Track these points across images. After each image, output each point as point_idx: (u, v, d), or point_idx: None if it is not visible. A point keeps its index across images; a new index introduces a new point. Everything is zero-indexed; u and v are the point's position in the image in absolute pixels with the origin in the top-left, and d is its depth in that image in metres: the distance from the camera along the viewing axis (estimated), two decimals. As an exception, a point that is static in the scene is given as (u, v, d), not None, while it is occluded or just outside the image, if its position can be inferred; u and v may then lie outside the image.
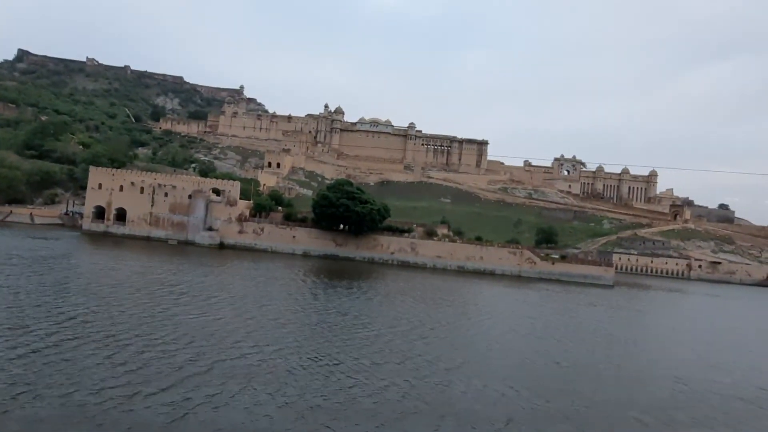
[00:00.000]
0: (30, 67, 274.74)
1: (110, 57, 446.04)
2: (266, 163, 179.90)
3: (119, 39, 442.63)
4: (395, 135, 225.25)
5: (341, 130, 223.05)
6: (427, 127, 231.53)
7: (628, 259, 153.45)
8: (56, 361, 23.97)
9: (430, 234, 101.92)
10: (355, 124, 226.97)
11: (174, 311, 36.95)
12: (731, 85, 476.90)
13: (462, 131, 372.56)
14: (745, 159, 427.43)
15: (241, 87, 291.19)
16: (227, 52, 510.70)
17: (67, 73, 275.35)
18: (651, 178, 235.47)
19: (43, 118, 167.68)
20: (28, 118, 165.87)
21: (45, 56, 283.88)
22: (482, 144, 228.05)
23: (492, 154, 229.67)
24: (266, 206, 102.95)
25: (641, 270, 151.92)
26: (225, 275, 60.69)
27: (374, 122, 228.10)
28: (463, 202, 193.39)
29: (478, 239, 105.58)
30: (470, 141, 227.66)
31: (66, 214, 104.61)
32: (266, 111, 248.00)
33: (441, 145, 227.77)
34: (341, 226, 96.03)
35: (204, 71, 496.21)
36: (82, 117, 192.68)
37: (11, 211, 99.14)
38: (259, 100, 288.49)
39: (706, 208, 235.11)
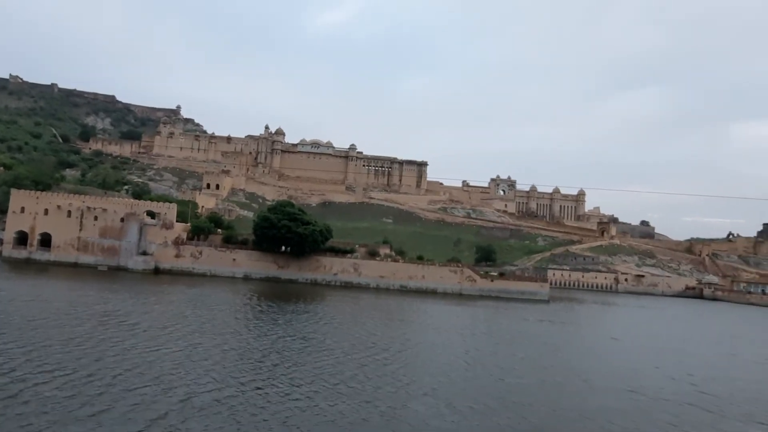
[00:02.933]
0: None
1: (36, 74, 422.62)
2: (205, 185, 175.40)
3: (45, 56, 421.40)
4: (336, 156, 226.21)
5: (282, 151, 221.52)
6: (368, 149, 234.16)
7: (562, 275, 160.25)
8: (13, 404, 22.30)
9: (373, 254, 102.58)
10: (296, 145, 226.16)
11: (118, 346, 34.54)
12: (650, 110, 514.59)
13: (402, 152, 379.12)
14: (664, 179, 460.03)
15: (178, 107, 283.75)
16: (163, 71, 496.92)
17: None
18: (580, 197, 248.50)
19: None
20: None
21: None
22: (422, 165, 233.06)
23: (431, 175, 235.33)
24: (205, 229, 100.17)
25: (574, 284, 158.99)
26: (161, 303, 58.22)
27: (315, 143, 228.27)
28: (405, 222, 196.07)
29: (420, 258, 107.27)
30: (410, 162, 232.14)
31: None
32: (204, 132, 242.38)
33: (382, 166, 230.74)
34: (283, 247, 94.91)
35: (138, 90, 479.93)
36: (4, 137, 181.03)
37: None
38: (197, 121, 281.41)
39: (630, 224, 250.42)
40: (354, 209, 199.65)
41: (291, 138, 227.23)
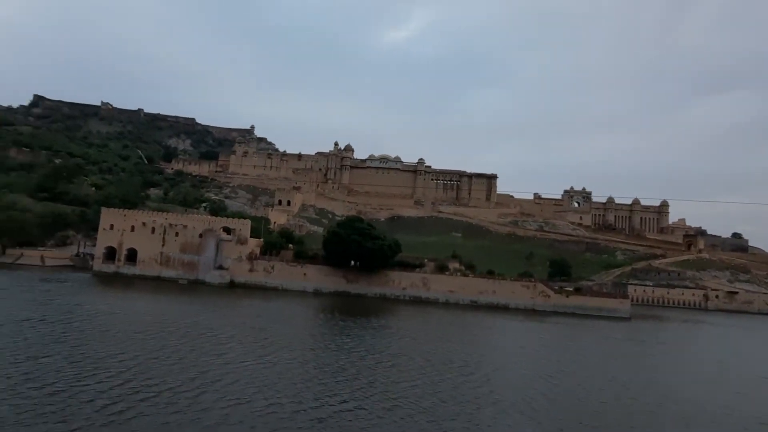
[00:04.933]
0: (45, 112, 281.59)
1: (124, 101, 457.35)
2: (276, 201, 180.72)
3: (133, 83, 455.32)
4: (405, 171, 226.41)
5: (351, 167, 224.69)
6: (436, 163, 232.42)
7: (644, 291, 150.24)
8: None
9: (442, 269, 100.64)
10: (364, 161, 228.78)
11: (213, 360, 35.58)
12: (737, 115, 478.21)
13: (471, 166, 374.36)
14: (757, 188, 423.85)
15: (252, 127, 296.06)
16: (238, 93, 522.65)
17: (82, 117, 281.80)
18: (662, 209, 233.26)
19: (57, 161, 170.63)
20: (42, 161, 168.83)
21: (60, 101, 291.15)
22: (491, 178, 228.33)
23: (501, 187, 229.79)
24: (277, 244, 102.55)
25: (657, 301, 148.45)
26: (241, 317, 59.64)
27: (384, 159, 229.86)
28: (474, 236, 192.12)
29: (491, 273, 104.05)
30: (479, 175, 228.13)
31: (77, 255, 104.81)
32: (276, 150, 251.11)
33: (450, 180, 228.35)
34: (352, 262, 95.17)
35: (215, 112, 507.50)
36: (96, 159, 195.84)
37: (22, 254, 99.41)
38: (269, 139, 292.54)
39: (720, 237, 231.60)
40: (422, 224, 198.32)
41: (359, 154, 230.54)
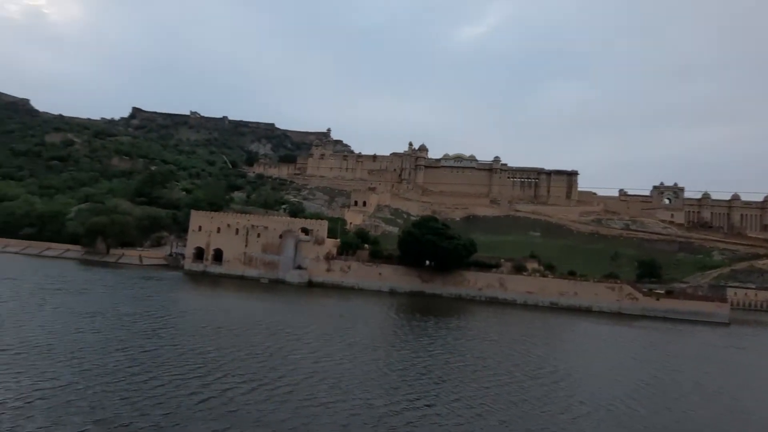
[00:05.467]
0: (142, 122, 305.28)
1: (210, 110, 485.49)
2: (352, 202, 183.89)
3: (218, 93, 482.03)
4: (480, 169, 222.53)
5: (425, 167, 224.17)
6: (512, 161, 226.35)
7: (746, 294, 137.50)
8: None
9: (519, 269, 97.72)
10: (439, 160, 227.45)
11: (296, 355, 36.77)
12: None
13: (549, 163, 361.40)
14: None
15: (328, 130, 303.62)
16: (315, 97, 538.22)
17: (174, 126, 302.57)
18: (766, 204, 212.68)
19: (153, 168, 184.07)
20: (140, 168, 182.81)
21: (154, 112, 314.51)
22: (572, 175, 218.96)
23: (583, 184, 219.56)
24: (353, 244, 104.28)
25: (761, 306, 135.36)
26: (321, 315, 61.30)
27: (458, 158, 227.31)
28: (554, 235, 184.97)
29: (572, 274, 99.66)
30: (559, 172, 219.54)
31: (170, 255, 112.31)
32: (352, 151, 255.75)
33: (528, 178, 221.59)
34: (427, 262, 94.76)
35: (294, 117, 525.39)
36: (186, 165, 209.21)
37: (123, 254, 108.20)
38: (345, 142, 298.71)
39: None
40: (499, 223, 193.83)
41: (434, 153, 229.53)
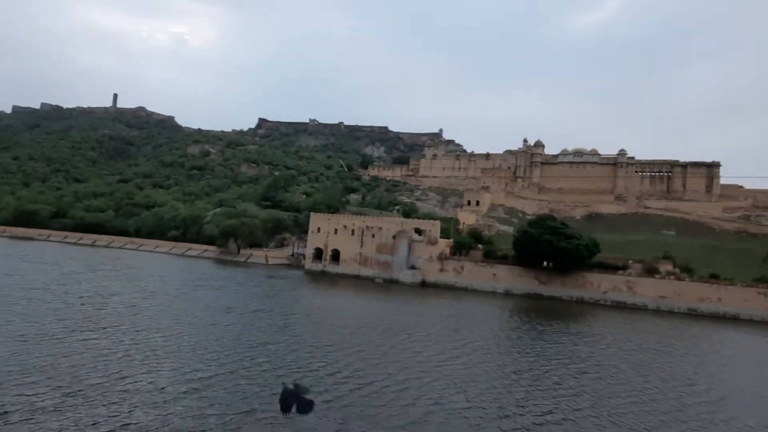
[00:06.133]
0: (267, 132, 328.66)
1: (328, 116, 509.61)
2: (465, 202, 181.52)
3: (335, 100, 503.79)
4: (603, 164, 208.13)
5: (542, 163, 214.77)
6: (640, 153, 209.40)
7: None
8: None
9: (650, 271, 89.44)
10: (556, 156, 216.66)
11: (415, 357, 36.85)
12: None
13: (684, 154, 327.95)
14: None
15: (440, 130, 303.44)
16: (427, 99, 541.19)
17: (295, 133, 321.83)
18: None
19: (276, 173, 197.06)
20: (265, 174, 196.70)
21: (278, 121, 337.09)
22: (712, 166, 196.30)
23: (726, 177, 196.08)
24: (466, 244, 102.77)
25: None
26: (436, 316, 61.23)
27: (578, 152, 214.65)
28: (691, 234, 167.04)
29: (714, 277, 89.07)
30: (697, 164, 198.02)
31: (292, 255, 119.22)
32: (464, 151, 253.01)
33: (659, 172, 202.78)
34: (545, 263, 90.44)
35: (406, 119, 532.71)
36: (306, 170, 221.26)
37: (251, 254, 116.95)
38: (457, 141, 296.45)
39: None
40: (625, 221, 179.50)
41: (551, 149, 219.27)
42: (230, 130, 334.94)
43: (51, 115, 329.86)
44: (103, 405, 22.30)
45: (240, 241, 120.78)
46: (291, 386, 10.44)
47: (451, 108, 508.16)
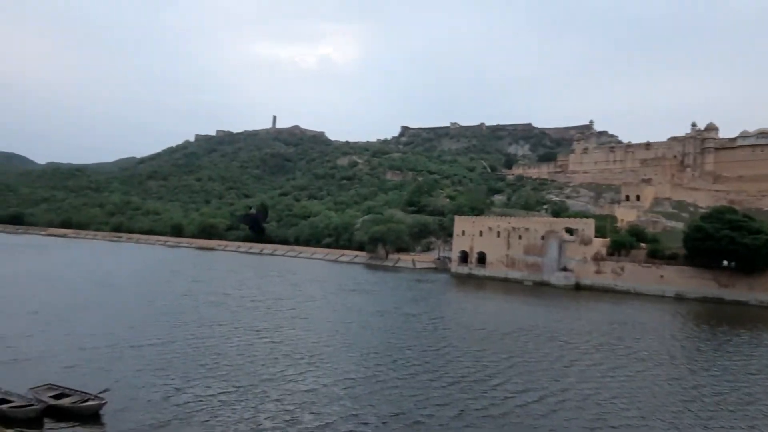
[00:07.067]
0: (409, 138, 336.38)
1: (468, 118, 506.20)
2: (623, 197, 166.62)
3: (475, 101, 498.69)
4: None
5: (716, 149, 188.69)
6: None
7: None
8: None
9: None
10: (734, 139, 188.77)
11: (575, 366, 34.74)
12: None
13: None
14: None
15: (591, 122, 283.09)
16: (573, 90, 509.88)
17: (436, 138, 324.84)
18: None
19: (420, 179, 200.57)
20: (409, 180, 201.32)
21: (420, 128, 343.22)
22: None
23: None
24: (625, 243, 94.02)
25: None
26: (593, 322, 57.10)
27: (762, 133, 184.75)
28: None
29: None
30: None
31: (438, 258, 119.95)
32: (620, 141, 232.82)
33: None
34: (725, 262, 79.00)
35: (550, 114, 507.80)
36: (448, 174, 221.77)
37: (399, 258, 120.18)
38: (610, 132, 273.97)
39: None
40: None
41: (726, 132, 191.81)
42: (375, 139, 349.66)
43: (224, 139, 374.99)
44: (272, 401, 24.31)
45: (388, 246, 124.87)
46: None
47: (601, 97, 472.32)
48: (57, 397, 22.53)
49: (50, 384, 23.86)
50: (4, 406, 20.87)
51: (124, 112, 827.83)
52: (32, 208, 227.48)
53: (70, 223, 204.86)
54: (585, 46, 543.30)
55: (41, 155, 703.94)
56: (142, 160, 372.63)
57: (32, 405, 21.27)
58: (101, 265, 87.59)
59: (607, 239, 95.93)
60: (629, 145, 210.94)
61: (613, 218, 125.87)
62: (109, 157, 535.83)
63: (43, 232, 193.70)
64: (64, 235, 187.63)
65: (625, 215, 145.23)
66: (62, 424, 20.81)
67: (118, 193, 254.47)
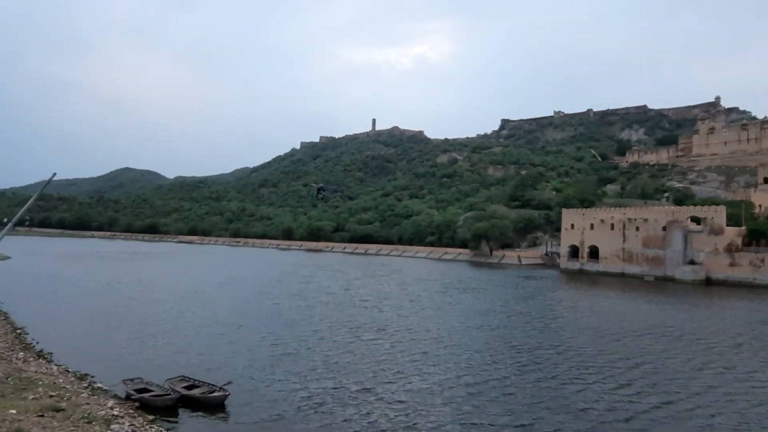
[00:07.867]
0: (510, 131, 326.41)
1: (573, 106, 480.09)
2: (760, 180, 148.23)
3: (580, 87, 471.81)
4: None
5: None
6: None
7: None
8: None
9: None
10: None
11: (694, 367, 32.61)
12: None
13: None
14: None
15: (717, 98, 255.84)
16: (693, 66, 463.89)
17: (539, 129, 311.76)
18: None
19: (523, 172, 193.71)
20: (511, 174, 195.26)
21: (521, 120, 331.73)
22: None
23: None
24: (765, 232, 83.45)
25: None
26: (736, 321, 51.45)
27: None
28: None
29: None
30: None
31: (546, 254, 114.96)
32: (754, 118, 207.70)
33: None
34: None
35: (668, 93, 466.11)
36: (554, 165, 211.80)
37: (504, 255, 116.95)
38: (741, 108, 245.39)
39: None
40: None
41: None
42: (474, 135, 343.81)
43: (327, 145, 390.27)
44: (384, 402, 24.36)
45: (492, 242, 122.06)
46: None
47: (728, 70, 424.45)
48: (188, 387, 24.71)
49: (183, 376, 26.23)
50: (146, 395, 23.25)
51: (238, 128, 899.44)
52: (165, 218, 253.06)
53: (196, 230, 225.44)
54: (703, 16, 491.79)
55: (170, 170, 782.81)
56: (255, 170, 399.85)
57: (169, 394, 23.48)
58: (226, 268, 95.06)
59: (743, 228, 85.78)
60: (765, 121, 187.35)
61: (749, 204, 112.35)
62: (226, 168, 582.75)
63: (175, 240, 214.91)
64: (191, 242, 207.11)
65: (764, 200, 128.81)
66: (193, 413, 22.68)
67: (234, 202, 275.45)
